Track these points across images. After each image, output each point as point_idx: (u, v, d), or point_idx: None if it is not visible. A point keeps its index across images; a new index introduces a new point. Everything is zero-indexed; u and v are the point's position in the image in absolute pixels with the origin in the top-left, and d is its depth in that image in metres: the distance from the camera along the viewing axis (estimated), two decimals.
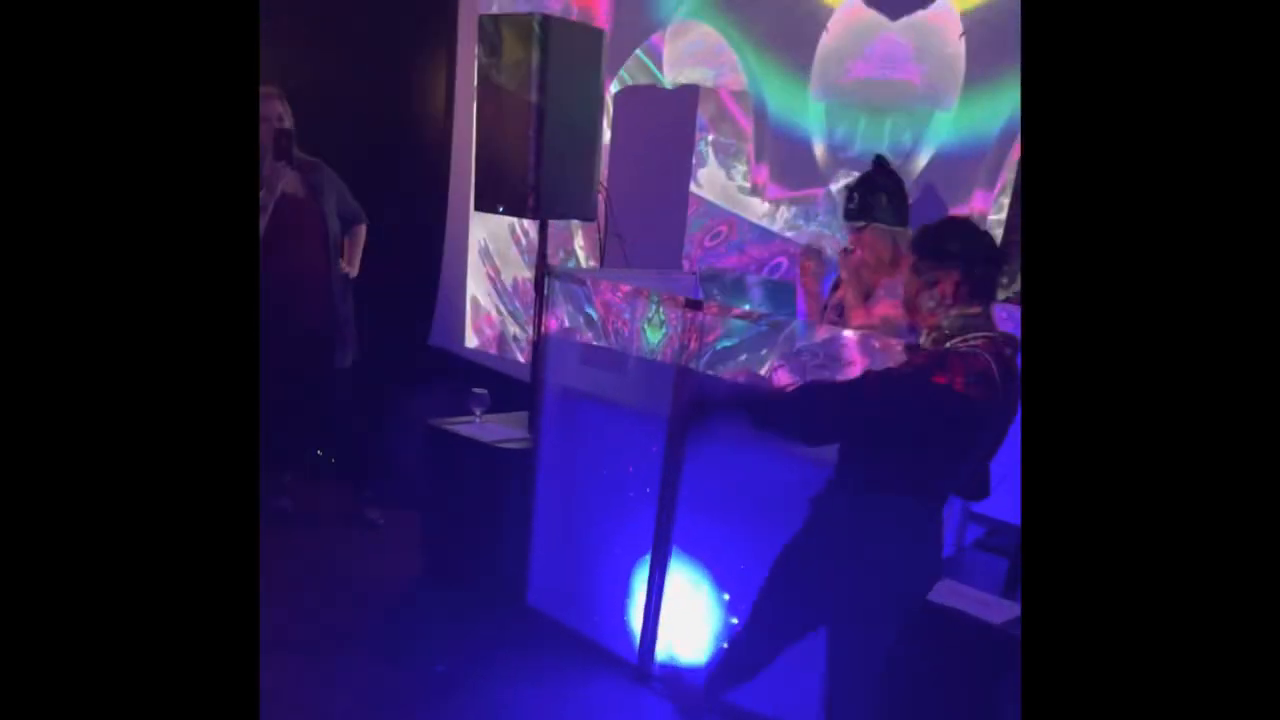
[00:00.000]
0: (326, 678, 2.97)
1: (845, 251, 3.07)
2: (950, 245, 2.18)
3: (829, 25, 3.49)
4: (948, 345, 2.15)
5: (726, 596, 2.93)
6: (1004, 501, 2.80)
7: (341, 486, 4.29)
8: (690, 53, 3.78)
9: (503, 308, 4.79)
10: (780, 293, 3.35)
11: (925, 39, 3.27)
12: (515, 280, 4.71)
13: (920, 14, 3.28)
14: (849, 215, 3.04)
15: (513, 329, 4.81)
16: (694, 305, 2.97)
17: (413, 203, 4.77)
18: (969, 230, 2.25)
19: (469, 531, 3.59)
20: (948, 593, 2.59)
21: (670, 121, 3.68)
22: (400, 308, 4.83)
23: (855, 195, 3.02)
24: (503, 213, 3.52)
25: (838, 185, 3.53)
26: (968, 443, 2.18)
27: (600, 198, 3.68)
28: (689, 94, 3.63)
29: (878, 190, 2.99)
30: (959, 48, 3.22)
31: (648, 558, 3.05)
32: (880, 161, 3.08)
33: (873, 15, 3.40)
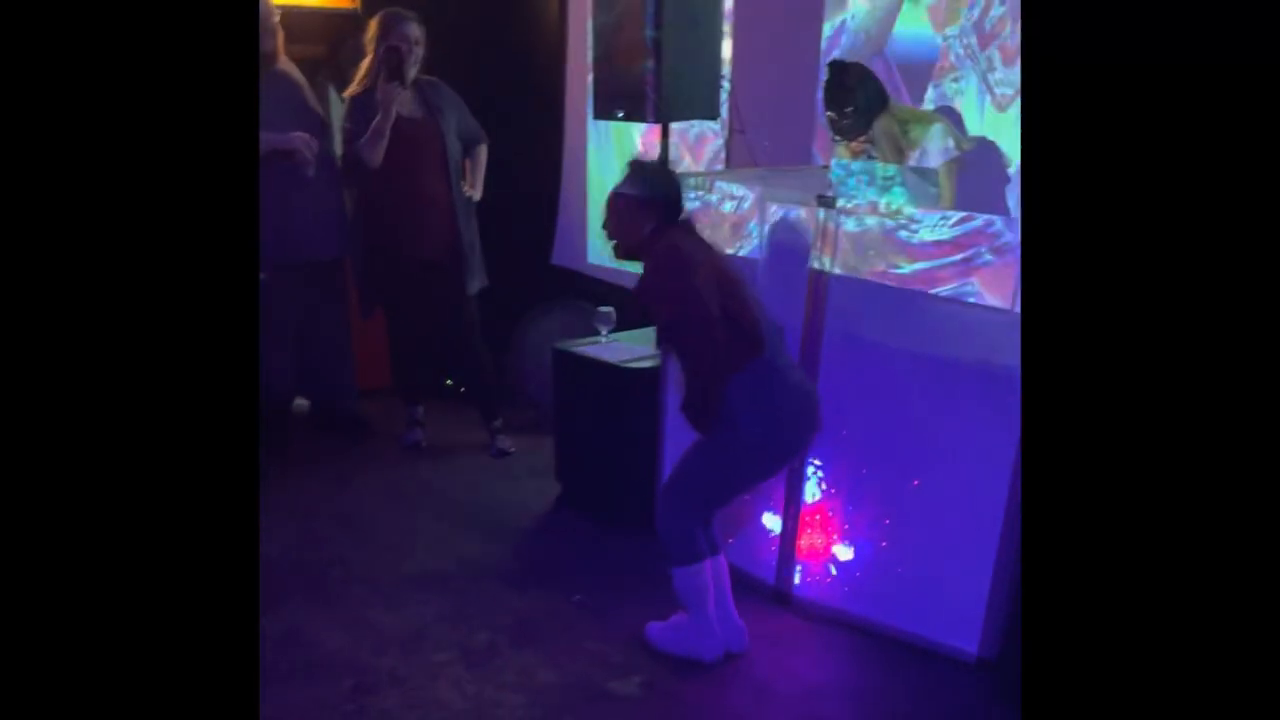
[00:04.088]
0: (459, 610, 2.92)
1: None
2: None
3: None
4: None
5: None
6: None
7: (473, 416, 4.23)
8: None
9: None
10: None
11: None
12: None
13: None
14: (844, 135, 2.97)
15: None
16: (826, 202, 2.73)
17: (527, 119, 4.62)
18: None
19: (601, 455, 3.47)
20: None
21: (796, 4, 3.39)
22: (522, 227, 4.72)
23: (833, 117, 2.96)
24: (622, 118, 3.33)
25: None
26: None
27: (727, 94, 3.44)
28: None
29: (843, 106, 2.90)
30: None
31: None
32: (832, 70, 2.95)
33: None
